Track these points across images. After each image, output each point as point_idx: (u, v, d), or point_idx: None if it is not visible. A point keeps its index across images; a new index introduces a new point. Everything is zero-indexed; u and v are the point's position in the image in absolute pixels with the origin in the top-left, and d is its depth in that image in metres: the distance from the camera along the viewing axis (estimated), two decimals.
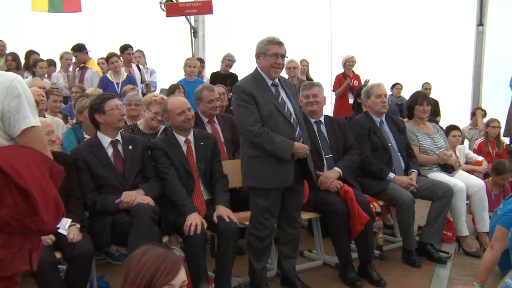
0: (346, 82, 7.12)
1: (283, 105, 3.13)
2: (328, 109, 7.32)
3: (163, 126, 4.10)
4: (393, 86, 8.17)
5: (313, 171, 3.28)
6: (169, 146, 3.33)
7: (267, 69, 3.13)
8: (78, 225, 2.85)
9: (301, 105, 3.68)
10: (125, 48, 6.74)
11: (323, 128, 3.87)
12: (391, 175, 3.98)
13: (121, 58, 6.63)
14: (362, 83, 7.09)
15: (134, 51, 6.99)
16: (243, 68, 6.97)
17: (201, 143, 3.41)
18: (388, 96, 8.29)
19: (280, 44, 3.13)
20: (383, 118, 4.21)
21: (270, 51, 3.10)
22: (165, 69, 7.63)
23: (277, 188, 3.14)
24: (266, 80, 3.16)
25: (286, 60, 6.89)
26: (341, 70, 7.47)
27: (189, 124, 3.36)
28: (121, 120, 3.24)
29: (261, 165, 3.11)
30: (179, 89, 5.66)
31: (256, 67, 3.21)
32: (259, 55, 3.14)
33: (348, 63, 7.34)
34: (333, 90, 7.32)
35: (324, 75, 8.00)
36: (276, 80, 3.19)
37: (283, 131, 3.08)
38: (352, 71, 7.36)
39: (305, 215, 3.61)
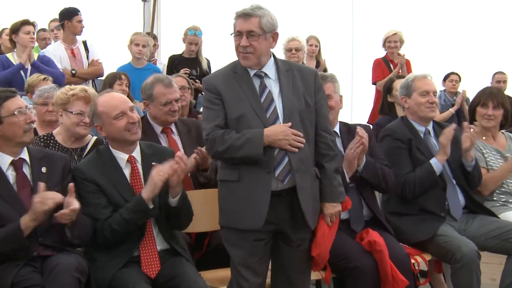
0: (397, 69, 7.12)
1: (266, 105, 3.25)
2: (347, 112, 7.39)
3: (94, 138, 4.13)
4: (446, 78, 8.31)
5: (305, 205, 3.25)
6: (104, 172, 3.34)
7: (236, 54, 3.33)
8: None
9: None
10: (72, 13, 6.71)
11: (338, 142, 3.93)
12: (433, 161, 4.05)
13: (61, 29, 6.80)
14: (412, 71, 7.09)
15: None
16: (218, 50, 7.06)
17: (152, 163, 3.41)
18: (439, 92, 8.32)
19: (244, 16, 3.21)
20: (430, 127, 4.31)
21: (234, 27, 3.26)
22: (103, 51, 7.65)
23: (250, 230, 3.22)
24: (249, 71, 3.31)
25: (285, 39, 7.13)
26: (366, 52, 7.63)
27: (135, 133, 3.41)
28: (28, 131, 3.24)
29: (231, 193, 3.28)
30: (121, 81, 5.70)
31: None
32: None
33: (389, 43, 7.38)
34: (373, 82, 7.40)
35: (343, 60, 8.09)
36: (266, 69, 3.31)
37: None
38: (398, 54, 7.41)
39: (313, 275, 3.62)
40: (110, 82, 5.71)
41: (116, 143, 3.43)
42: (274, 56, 3.38)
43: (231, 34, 3.26)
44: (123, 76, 5.77)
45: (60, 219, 3.04)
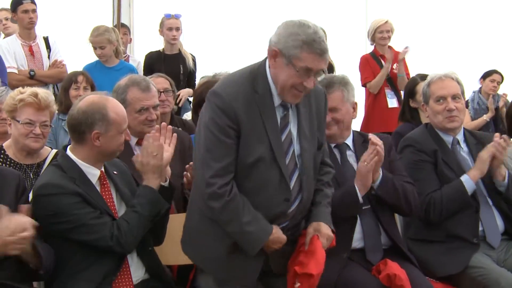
0: (387, 64, 7.18)
1: (286, 147, 3.26)
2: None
3: (54, 151, 4.14)
4: (486, 76, 8.35)
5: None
6: (79, 187, 3.34)
7: (283, 88, 3.19)
8: None
9: None
10: (16, 2, 6.70)
11: (351, 156, 3.96)
12: (465, 178, 4.04)
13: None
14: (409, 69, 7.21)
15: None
16: (203, 43, 7.04)
17: (114, 172, 3.57)
18: (472, 94, 8.25)
19: (323, 53, 3.13)
20: (460, 136, 4.30)
21: (302, 61, 3.10)
22: (67, 47, 7.69)
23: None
24: (274, 96, 3.24)
25: None
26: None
27: (122, 150, 3.53)
28: None
29: (211, 229, 3.30)
30: (77, 84, 5.66)
31: (264, 67, 3.27)
32: (277, 54, 3.16)
33: (379, 34, 7.41)
34: (363, 84, 7.45)
35: (355, 56, 8.09)
36: None
37: (268, 195, 3.23)
38: (389, 47, 7.47)
39: None
40: (66, 86, 5.71)
41: (94, 157, 3.43)
42: None
43: (297, 70, 3.11)
44: (79, 78, 5.70)
45: (7, 249, 2.99)
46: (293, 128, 3.29)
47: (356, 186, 3.71)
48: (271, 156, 3.20)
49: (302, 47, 3.08)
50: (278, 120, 3.25)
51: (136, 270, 3.44)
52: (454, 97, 4.19)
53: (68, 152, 3.45)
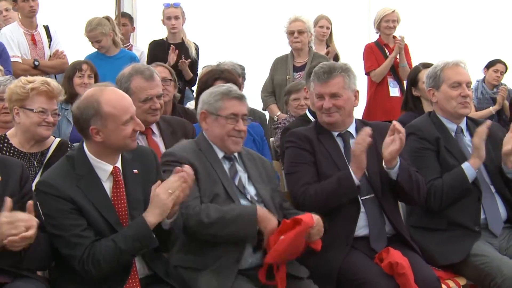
0: (394, 54, 7.18)
1: (241, 190, 3.67)
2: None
3: (57, 140, 4.14)
4: (489, 65, 8.36)
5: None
6: (80, 186, 3.23)
7: (222, 139, 3.69)
8: None
9: (314, 110, 3.93)
10: None
11: (353, 144, 3.91)
12: (465, 165, 4.06)
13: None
14: (411, 59, 7.20)
15: None
16: (208, 34, 7.00)
17: (134, 171, 3.41)
18: (475, 83, 8.23)
19: (242, 97, 3.71)
20: (463, 124, 4.33)
21: (225, 110, 3.65)
22: (68, 36, 7.68)
23: None
24: (216, 151, 3.74)
25: (288, 19, 7.16)
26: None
27: (135, 140, 3.36)
28: None
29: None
30: (82, 72, 5.67)
31: (203, 132, 3.78)
32: (206, 115, 3.71)
33: (385, 23, 7.40)
34: (367, 73, 7.45)
35: (358, 45, 8.11)
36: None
37: None
38: (393, 37, 7.47)
39: None
40: (69, 75, 5.71)
41: (104, 151, 3.31)
42: None
43: (226, 118, 3.66)
44: (84, 66, 5.72)
45: (9, 246, 2.97)
46: (243, 176, 3.74)
47: (350, 169, 3.76)
48: (226, 195, 3.59)
49: (223, 99, 3.66)
50: (226, 170, 3.69)
51: (142, 269, 3.38)
52: (468, 85, 4.26)
53: (84, 145, 3.35)
